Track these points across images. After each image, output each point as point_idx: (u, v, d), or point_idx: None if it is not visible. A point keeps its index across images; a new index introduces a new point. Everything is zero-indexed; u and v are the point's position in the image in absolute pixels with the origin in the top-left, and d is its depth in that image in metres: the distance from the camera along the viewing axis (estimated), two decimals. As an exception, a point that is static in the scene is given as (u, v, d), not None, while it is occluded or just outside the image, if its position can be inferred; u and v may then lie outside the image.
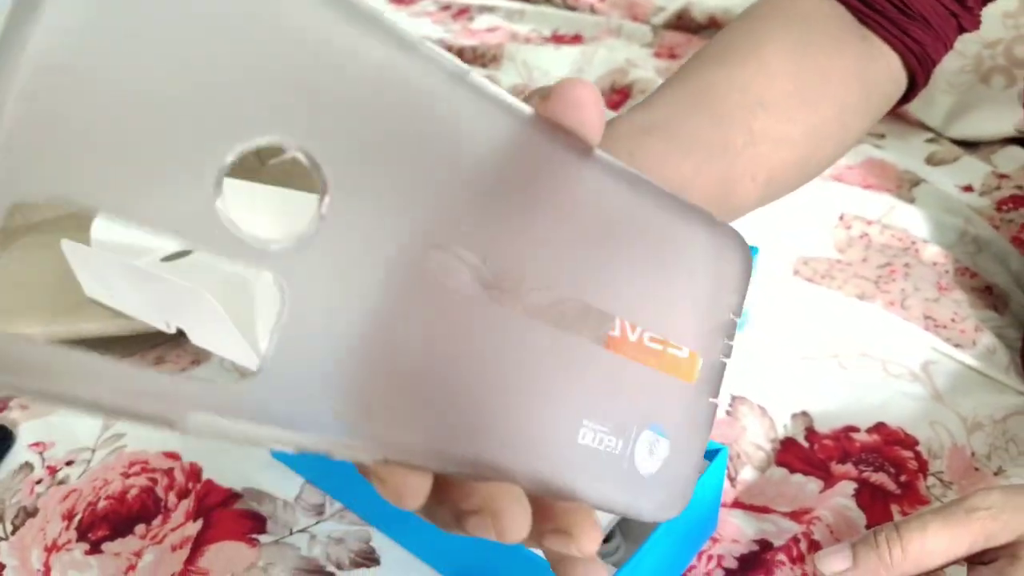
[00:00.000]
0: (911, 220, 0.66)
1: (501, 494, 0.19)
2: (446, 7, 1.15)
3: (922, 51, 0.44)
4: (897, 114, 0.85)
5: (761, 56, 0.41)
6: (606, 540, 0.39)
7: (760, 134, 0.39)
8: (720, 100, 0.39)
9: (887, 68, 0.45)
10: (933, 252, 0.62)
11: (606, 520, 0.38)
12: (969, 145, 0.79)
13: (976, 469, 0.45)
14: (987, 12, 0.47)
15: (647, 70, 0.99)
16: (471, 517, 0.19)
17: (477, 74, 0.18)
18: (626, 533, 0.40)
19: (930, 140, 0.80)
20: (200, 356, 0.56)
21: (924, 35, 0.44)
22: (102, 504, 0.45)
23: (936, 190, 0.70)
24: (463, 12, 1.13)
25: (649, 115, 0.38)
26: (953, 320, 0.55)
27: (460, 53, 1.04)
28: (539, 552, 0.34)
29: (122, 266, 0.48)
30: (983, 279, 0.60)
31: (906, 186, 0.71)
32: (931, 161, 0.76)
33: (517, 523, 0.19)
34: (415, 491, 0.18)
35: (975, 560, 0.34)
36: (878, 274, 0.60)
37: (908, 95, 0.48)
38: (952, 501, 0.34)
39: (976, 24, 0.47)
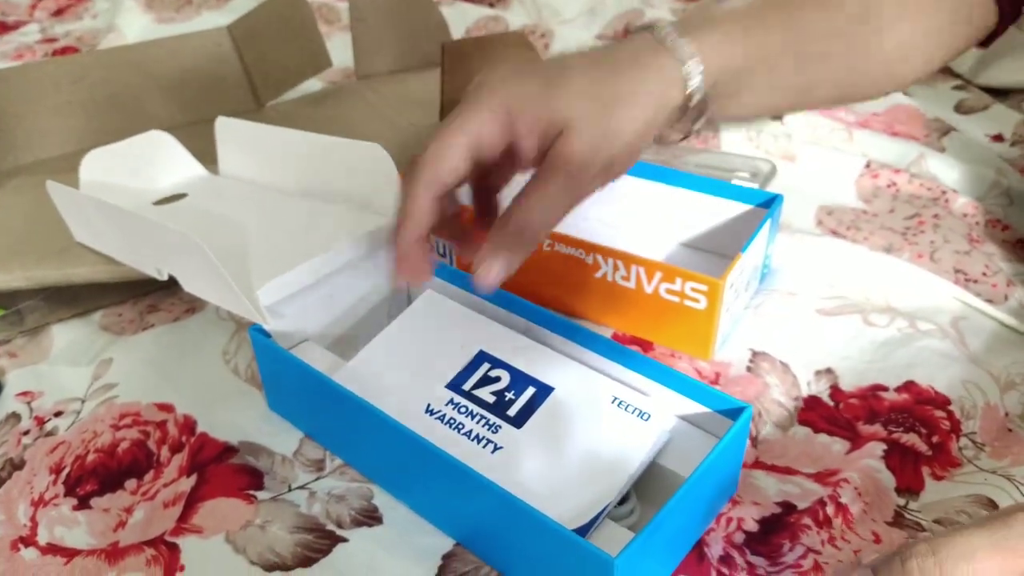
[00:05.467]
0: (940, 169, 0.63)
1: None
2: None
3: None
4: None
5: None
6: (621, 502, 0.37)
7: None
8: None
9: None
10: (963, 203, 0.59)
11: (622, 482, 0.36)
12: (998, 93, 0.75)
13: (1010, 430, 0.42)
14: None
15: (663, 11, 0.95)
16: None
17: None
18: (642, 496, 0.38)
19: (958, 87, 0.76)
20: (195, 304, 0.54)
21: None
22: (91, 457, 0.43)
23: (966, 139, 0.66)
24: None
25: None
26: (984, 274, 0.53)
27: (467, -7, 1.00)
28: (545, 506, 0.32)
29: (112, 210, 0.45)
30: (1015, 232, 0.57)
31: (935, 134, 0.68)
32: (960, 109, 0.73)
33: None
34: None
35: None
36: (906, 225, 0.58)
37: (997, 29, 0.50)
38: (998, 515, 0.27)
39: None
